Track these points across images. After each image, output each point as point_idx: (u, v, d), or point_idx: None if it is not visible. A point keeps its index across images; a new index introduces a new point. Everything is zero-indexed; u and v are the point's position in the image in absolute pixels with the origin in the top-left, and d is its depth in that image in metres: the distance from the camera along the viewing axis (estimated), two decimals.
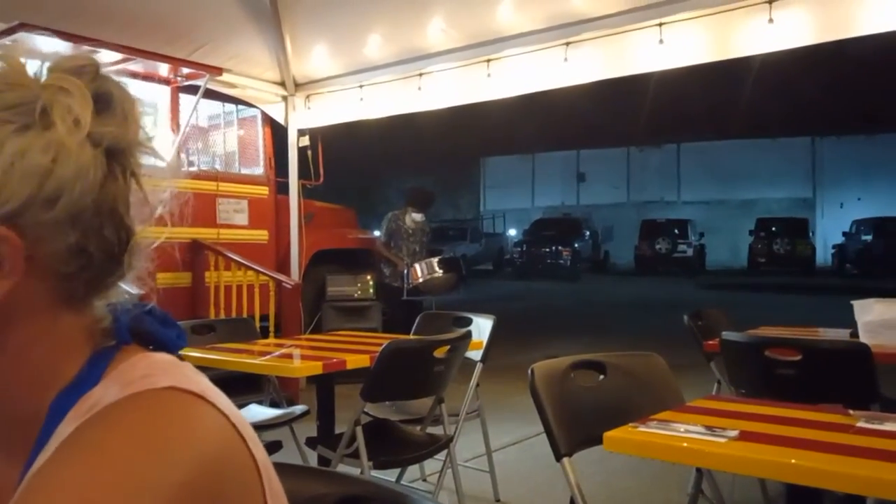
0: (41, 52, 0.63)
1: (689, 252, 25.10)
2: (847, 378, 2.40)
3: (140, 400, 0.57)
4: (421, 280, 6.03)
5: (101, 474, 0.51)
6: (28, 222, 0.57)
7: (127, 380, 0.59)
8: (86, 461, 0.52)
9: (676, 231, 25.56)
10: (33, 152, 0.57)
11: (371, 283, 6.43)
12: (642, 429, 1.47)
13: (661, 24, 3.89)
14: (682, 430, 1.45)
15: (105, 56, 4.58)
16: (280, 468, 0.96)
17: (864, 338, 2.73)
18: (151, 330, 0.66)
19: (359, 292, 6.40)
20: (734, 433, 1.41)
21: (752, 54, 3.80)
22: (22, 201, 0.57)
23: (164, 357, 0.64)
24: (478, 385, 3.34)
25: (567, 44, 4.24)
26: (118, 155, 0.62)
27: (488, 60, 4.59)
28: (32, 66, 0.62)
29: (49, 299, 0.61)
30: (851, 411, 1.62)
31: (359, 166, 23.26)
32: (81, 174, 0.59)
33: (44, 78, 0.61)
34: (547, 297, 16.65)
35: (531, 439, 4.26)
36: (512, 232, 30.22)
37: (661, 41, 3.90)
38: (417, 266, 6.07)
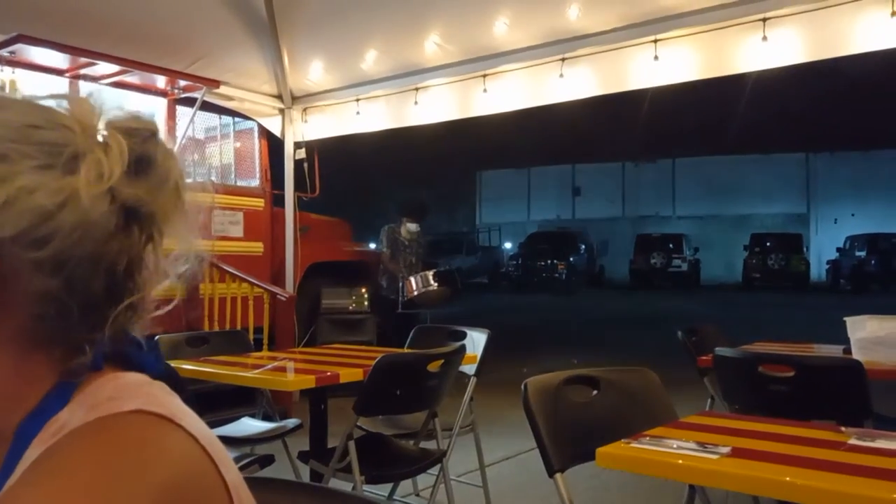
0: (116, 105, 0.65)
1: (684, 267, 25.19)
2: (840, 394, 2.41)
3: (105, 424, 0.56)
4: (416, 293, 6.03)
5: (63, 500, 0.51)
6: (9, 254, 0.58)
7: (93, 402, 0.59)
8: (49, 487, 0.52)
9: (671, 246, 25.68)
10: (41, 193, 0.57)
11: (366, 295, 6.42)
12: (634, 445, 1.47)
13: (655, 41, 3.93)
14: (674, 446, 1.44)
15: (103, 68, 4.59)
16: (269, 483, 0.96)
17: (856, 354, 2.73)
18: (127, 353, 0.66)
19: (353, 305, 6.39)
20: (726, 450, 1.41)
21: (747, 71, 3.83)
22: (11, 234, 0.57)
23: (133, 377, 0.63)
24: (472, 399, 3.33)
25: (563, 59, 4.27)
26: (140, 217, 0.62)
27: (484, 75, 4.61)
28: (96, 115, 0.63)
29: (15, 333, 0.60)
30: (843, 428, 1.62)
31: (355, 179, 23.29)
32: (85, 224, 0.59)
33: (92, 128, 0.62)
34: (542, 311, 16.64)
35: (525, 454, 4.24)
36: (507, 245, 30.28)
37: (655, 58, 3.93)
38: (412, 279, 6.07)
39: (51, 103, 0.63)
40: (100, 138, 0.61)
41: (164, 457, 0.56)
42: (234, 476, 0.61)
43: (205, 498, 0.58)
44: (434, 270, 6.24)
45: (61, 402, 0.60)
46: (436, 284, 6.07)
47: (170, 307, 0.69)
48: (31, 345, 0.61)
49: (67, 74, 4.70)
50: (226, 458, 0.61)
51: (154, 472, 0.54)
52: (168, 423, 0.58)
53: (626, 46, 4.07)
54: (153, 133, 0.64)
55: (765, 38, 3.61)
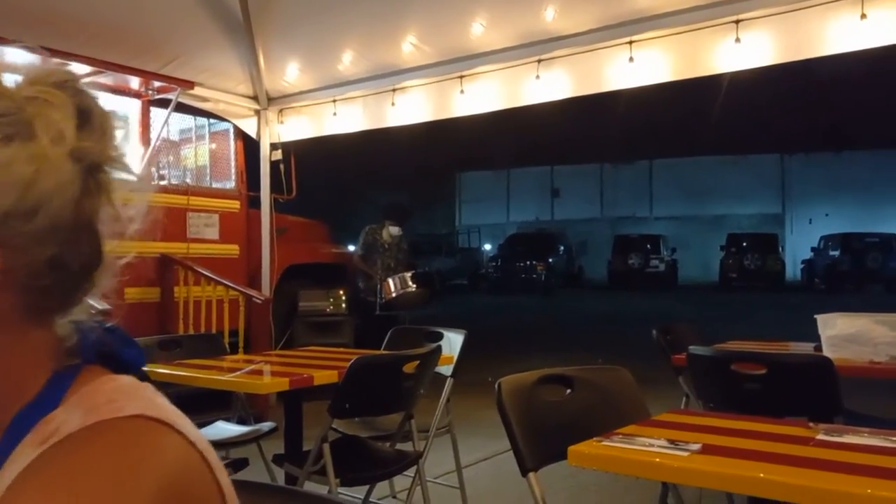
0: (17, 64, 0.63)
1: (662, 267, 25.41)
2: (811, 391, 2.43)
3: (106, 429, 0.56)
4: (394, 295, 6.02)
5: None
6: (7, 233, 0.57)
7: (90, 405, 0.58)
8: (52, 492, 0.52)
9: (649, 246, 25.88)
10: (17, 163, 0.57)
11: (343, 297, 6.40)
12: (606, 443, 1.48)
13: (630, 43, 3.95)
14: (645, 443, 1.46)
15: (75, 68, 4.52)
16: (244, 486, 0.95)
17: (827, 351, 2.77)
18: (114, 349, 0.66)
19: (331, 307, 6.37)
20: (696, 447, 1.43)
21: (721, 73, 3.87)
22: (2, 212, 0.56)
23: (127, 381, 0.63)
24: (448, 400, 3.33)
25: (539, 61, 4.28)
26: (95, 171, 0.62)
27: (461, 77, 4.61)
28: (10, 79, 0.62)
29: (18, 313, 0.60)
30: (812, 424, 1.64)
31: (333, 181, 23.22)
32: (60, 188, 0.58)
33: (25, 90, 0.60)
34: (521, 312, 16.68)
35: (502, 455, 4.25)
36: (487, 246, 30.32)
37: (631, 59, 3.95)
38: (390, 280, 6.05)
39: None
40: (38, 96, 0.60)
41: (164, 463, 0.56)
42: (227, 481, 0.62)
43: (201, 502, 0.58)
44: (412, 272, 6.23)
45: (56, 398, 0.60)
46: (414, 286, 6.06)
47: (130, 258, 0.68)
48: (33, 322, 0.61)
49: None
50: (219, 464, 0.61)
51: (155, 478, 0.54)
52: (168, 428, 0.58)
53: (601, 48, 4.09)
54: (78, 80, 0.63)
55: (738, 39, 3.64)
